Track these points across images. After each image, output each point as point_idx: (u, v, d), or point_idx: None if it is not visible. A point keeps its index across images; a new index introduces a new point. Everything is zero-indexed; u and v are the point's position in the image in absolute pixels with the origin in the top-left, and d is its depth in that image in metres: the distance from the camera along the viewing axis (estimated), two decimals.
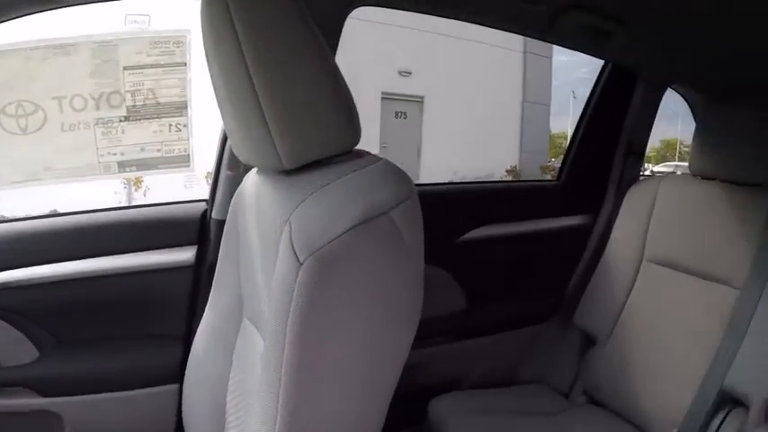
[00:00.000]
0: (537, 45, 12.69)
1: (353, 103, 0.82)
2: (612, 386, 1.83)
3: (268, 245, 0.79)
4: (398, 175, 0.79)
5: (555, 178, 2.13)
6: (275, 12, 0.75)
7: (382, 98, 12.41)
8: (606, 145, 2.06)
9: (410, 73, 12.62)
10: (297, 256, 0.67)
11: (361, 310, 0.71)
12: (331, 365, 0.70)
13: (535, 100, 14.10)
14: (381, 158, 0.81)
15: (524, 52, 13.62)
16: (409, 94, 12.76)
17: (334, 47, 1.37)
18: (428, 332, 1.77)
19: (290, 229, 0.70)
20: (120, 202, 8.50)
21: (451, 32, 10.40)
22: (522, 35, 1.78)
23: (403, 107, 12.88)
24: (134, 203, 8.28)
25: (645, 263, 1.83)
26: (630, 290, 1.83)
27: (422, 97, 12.89)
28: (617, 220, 1.91)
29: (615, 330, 1.84)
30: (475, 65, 12.62)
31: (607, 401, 1.85)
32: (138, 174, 1.49)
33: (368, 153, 0.84)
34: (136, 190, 9.14)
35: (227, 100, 0.83)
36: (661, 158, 24.16)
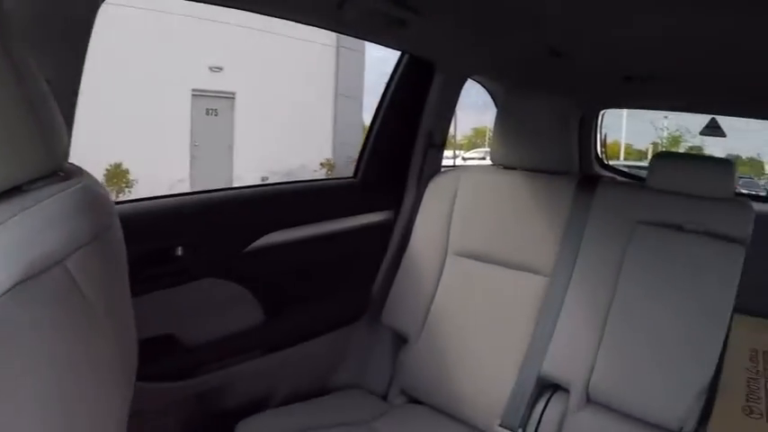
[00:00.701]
0: (349, 40, 12.79)
1: (54, 115, 0.64)
2: (430, 383, 1.80)
3: None
4: (89, 207, 0.63)
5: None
6: None
7: (192, 95, 11.90)
8: (405, 138, 2.00)
9: (221, 69, 12.19)
10: None
11: (31, 389, 0.53)
12: None
13: (348, 94, 14.23)
14: (81, 182, 0.64)
15: (337, 47, 13.69)
16: (220, 91, 12.34)
17: (85, 40, 1.16)
18: (225, 352, 1.61)
19: None
20: None
21: (264, 27, 10.18)
22: (309, 25, 1.65)
23: (214, 104, 12.43)
24: None
25: (450, 256, 1.80)
26: (437, 285, 1.80)
27: (233, 93, 12.52)
28: (418, 215, 1.88)
29: (426, 327, 1.80)
30: (287, 60, 12.47)
31: (426, 399, 1.81)
32: None
33: (78, 173, 0.66)
34: None
35: None
36: (472, 146, 25.72)
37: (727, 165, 1.64)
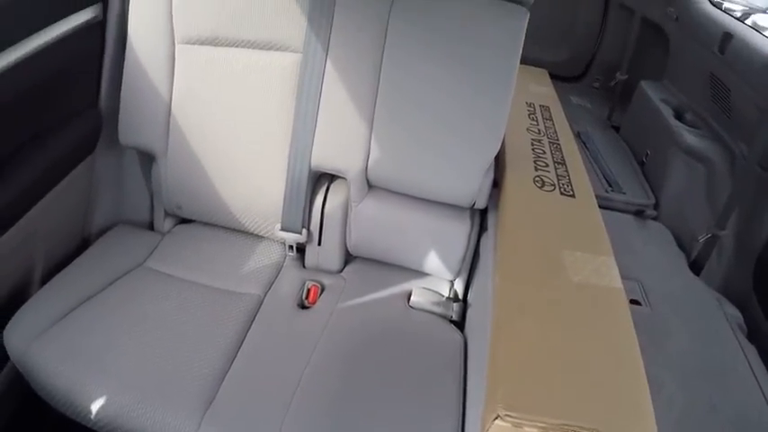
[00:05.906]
0: None
1: None
2: (194, 199, 1.59)
3: None
4: None
5: None
6: None
7: None
8: None
9: None
10: None
11: None
12: None
13: None
14: None
15: None
16: None
17: None
18: None
19: None
20: None
21: None
22: None
23: None
24: None
25: (179, 46, 1.47)
26: (171, 84, 1.49)
27: None
28: (131, 3, 1.48)
29: (171, 136, 1.53)
30: None
31: (196, 217, 1.65)
32: None
33: None
34: None
35: None
36: None
37: None
